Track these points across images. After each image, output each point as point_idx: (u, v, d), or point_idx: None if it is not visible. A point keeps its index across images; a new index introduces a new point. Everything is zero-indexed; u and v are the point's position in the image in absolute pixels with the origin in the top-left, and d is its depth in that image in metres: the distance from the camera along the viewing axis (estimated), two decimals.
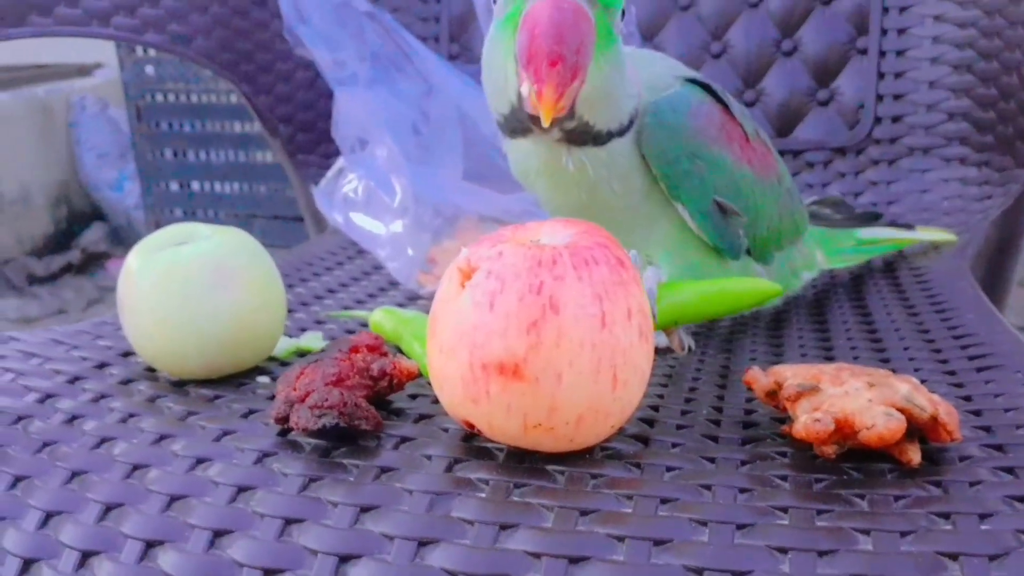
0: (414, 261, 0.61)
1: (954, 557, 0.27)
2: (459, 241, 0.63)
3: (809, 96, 0.76)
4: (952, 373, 0.41)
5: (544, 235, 0.33)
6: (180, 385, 0.41)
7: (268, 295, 0.42)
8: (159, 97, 1.62)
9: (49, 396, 0.40)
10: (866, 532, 0.28)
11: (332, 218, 0.70)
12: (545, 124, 0.35)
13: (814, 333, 0.48)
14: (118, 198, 2.33)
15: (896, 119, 0.73)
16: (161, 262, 0.40)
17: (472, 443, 0.34)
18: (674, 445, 0.34)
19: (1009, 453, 0.32)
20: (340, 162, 0.70)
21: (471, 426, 0.32)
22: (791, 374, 0.34)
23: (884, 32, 0.73)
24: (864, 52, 0.74)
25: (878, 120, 0.74)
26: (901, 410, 0.30)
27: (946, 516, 0.28)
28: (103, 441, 0.36)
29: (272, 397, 0.40)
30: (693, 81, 0.42)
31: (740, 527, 0.29)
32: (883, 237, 0.61)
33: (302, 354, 0.46)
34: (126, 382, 0.41)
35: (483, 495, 0.31)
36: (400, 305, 0.59)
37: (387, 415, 0.37)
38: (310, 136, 0.78)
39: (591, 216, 0.41)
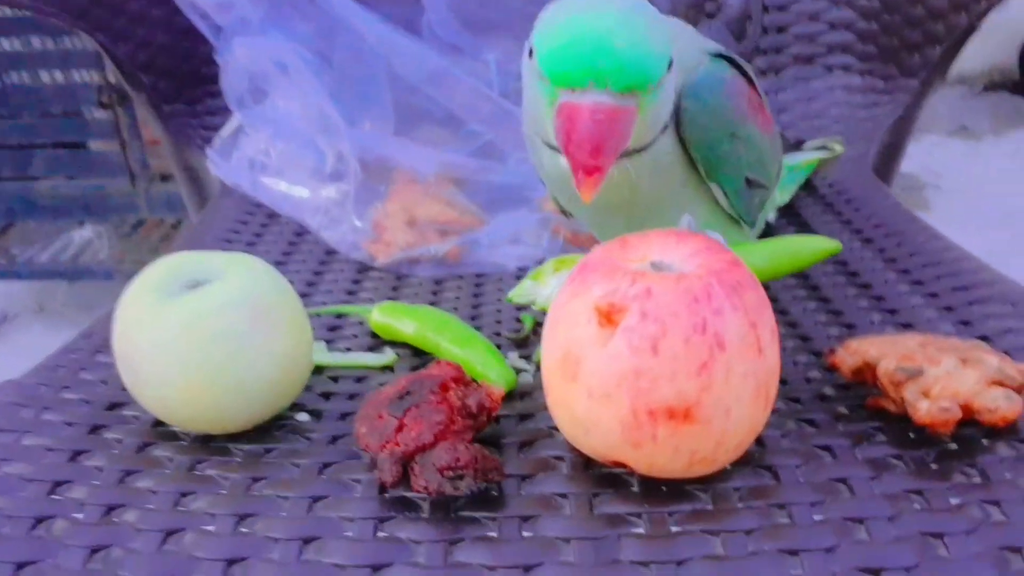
0: (361, 231, 0.56)
1: None
2: (397, 203, 0.59)
3: (696, 8, 0.76)
4: (967, 323, 0.44)
5: (656, 253, 0.31)
6: (205, 442, 0.36)
7: (301, 330, 0.37)
8: None
9: (58, 484, 0.33)
10: (996, 503, 0.31)
11: (233, 182, 0.63)
12: (586, 201, 0.33)
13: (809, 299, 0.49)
14: None
15: (781, 29, 0.76)
16: (182, 312, 0.34)
17: (593, 471, 0.33)
18: (783, 435, 0.35)
19: None
20: (236, 119, 0.62)
21: (621, 465, 0.31)
22: (876, 352, 0.35)
23: None
24: None
25: (764, 31, 0.76)
26: (996, 383, 0.33)
27: None
28: (169, 534, 0.31)
29: (333, 440, 0.36)
30: (718, 55, 0.41)
31: (891, 519, 0.30)
32: (801, 160, 0.64)
33: (317, 370, 0.42)
34: (141, 448, 0.36)
35: (640, 530, 0.30)
36: (356, 281, 0.55)
37: (489, 449, 0.34)
38: (172, 83, 0.68)
39: (627, 210, 0.40)
